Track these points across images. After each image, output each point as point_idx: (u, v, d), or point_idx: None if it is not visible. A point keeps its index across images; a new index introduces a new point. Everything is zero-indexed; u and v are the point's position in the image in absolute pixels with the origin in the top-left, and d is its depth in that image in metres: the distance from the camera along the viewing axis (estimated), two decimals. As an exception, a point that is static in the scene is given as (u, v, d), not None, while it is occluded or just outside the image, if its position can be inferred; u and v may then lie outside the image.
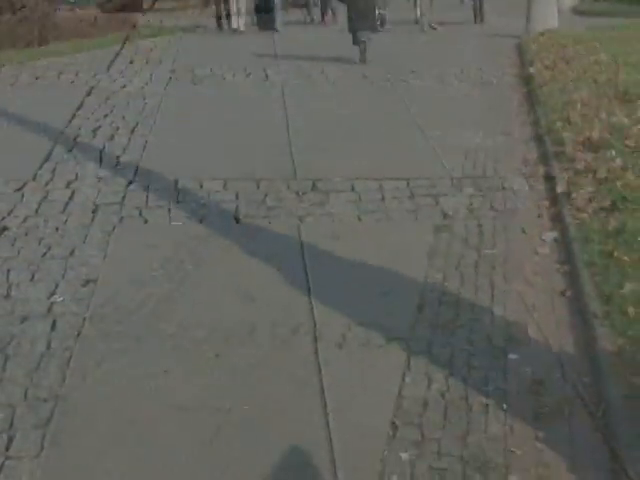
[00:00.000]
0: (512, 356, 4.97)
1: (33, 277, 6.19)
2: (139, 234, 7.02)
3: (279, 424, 4.33)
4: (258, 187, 8.03)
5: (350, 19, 16.81)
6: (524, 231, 6.85)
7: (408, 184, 7.99)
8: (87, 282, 6.06)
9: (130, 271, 6.22)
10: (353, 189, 7.93)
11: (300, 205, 7.57)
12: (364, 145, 9.42)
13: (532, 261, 6.28)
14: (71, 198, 7.83)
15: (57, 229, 7.11)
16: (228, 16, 23.55)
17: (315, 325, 5.34)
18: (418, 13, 22.86)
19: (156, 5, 29.91)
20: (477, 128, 10.11)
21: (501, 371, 4.82)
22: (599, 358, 4.75)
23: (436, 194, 7.77)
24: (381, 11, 20.59)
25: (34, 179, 8.32)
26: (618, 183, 7.29)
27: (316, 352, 5.02)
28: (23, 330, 5.36)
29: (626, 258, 5.82)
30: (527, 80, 13.02)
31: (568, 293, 5.72)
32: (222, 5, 23.74)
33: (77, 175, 8.45)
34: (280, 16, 23.60)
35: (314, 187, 7.99)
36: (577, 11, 26.99)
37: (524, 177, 8.22)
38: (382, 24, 20.62)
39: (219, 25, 23.76)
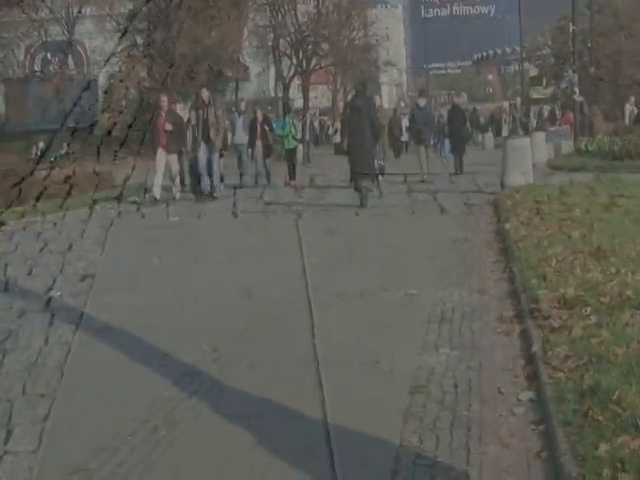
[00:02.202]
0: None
1: None
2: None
3: None
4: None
5: (351, 168, 18.99)
6: (500, 391, 6.84)
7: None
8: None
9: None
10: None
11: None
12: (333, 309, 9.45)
13: (508, 422, 6.25)
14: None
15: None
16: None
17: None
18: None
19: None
20: (452, 286, 10.24)
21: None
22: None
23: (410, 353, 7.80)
24: (380, 162, 21.98)
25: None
26: (593, 341, 7.31)
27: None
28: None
29: (601, 418, 5.80)
30: (502, 236, 13.25)
31: (543, 454, 5.69)
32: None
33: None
34: (215, 181, 22.87)
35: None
36: (552, 166, 27.74)
37: (500, 335, 8.26)
38: (381, 173, 22.26)
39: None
